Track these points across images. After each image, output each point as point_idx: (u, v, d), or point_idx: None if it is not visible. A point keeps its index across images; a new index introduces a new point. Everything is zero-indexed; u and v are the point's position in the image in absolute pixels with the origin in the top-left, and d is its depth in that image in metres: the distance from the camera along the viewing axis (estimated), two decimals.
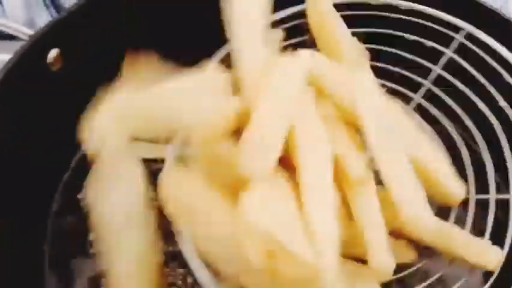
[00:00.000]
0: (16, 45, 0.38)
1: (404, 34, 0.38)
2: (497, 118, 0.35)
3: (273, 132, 0.29)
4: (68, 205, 0.41)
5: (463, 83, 0.36)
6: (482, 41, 0.36)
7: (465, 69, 0.36)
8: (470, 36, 0.37)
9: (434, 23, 0.38)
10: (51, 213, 0.41)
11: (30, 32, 0.37)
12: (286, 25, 0.37)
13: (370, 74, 0.35)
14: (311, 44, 0.38)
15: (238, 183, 0.28)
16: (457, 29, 0.38)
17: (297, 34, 0.38)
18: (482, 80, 0.35)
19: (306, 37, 0.38)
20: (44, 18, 0.56)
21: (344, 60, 0.35)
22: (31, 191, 0.38)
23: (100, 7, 0.39)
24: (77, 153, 0.42)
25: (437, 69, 0.38)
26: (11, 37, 0.44)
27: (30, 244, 0.39)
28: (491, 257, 0.30)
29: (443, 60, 0.38)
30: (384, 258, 0.29)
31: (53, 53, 0.37)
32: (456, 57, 0.37)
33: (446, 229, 0.31)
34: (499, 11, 0.40)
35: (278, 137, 0.29)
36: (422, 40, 0.38)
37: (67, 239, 0.40)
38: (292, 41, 0.38)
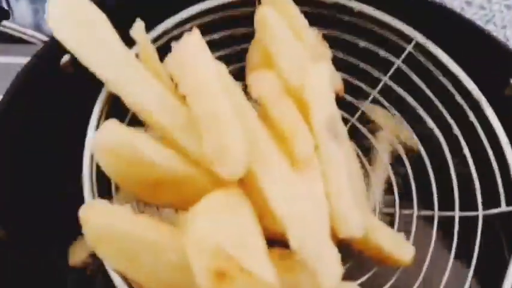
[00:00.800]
0: (29, 49, 0.41)
1: (356, 39, 0.40)
2: (442, 130, 0.38)
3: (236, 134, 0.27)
4: None
5: (410, 92, 0.39)
6: (431, 52, 0.38)
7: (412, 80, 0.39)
8: (419, 47, 0.39)
9: (388, 30, 0.40)
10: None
11: (45, 37, 0.40)
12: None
13: (329, 65, 0.36)
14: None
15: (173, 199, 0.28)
16: (407, 38, 0.39)
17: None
18: (428, 92, 0.38)
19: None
20: None
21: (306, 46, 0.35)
22: (46, 186, 0.40)
23: (111, 15, 0.43)
24: None
25: (384, 78, 0.40)
26: (23, 41, 0.46)
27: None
28: (407, 250, 0.33)
29: (391, 69, 0.40)
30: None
31: (66, 57, 0.40)
32: (404, 67, 0.40)
33: (369, 221, 0.33)
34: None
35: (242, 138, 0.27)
36: (372, 48, 0.40)
37: None
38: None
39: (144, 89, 0.30)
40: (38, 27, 0.58)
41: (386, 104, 0.40)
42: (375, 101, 0.41)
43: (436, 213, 0.36)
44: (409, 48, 0.39)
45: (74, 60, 0.41)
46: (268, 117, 0.32)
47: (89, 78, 0.39)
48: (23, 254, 0.36)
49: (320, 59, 0.36)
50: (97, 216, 0.27)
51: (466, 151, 0.37)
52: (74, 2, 0.31)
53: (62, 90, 0.40)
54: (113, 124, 0.28)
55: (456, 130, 0.38)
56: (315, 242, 0.27)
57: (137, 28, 0.32)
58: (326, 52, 0.38)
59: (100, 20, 0.31)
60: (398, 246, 0.33)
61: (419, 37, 0.39)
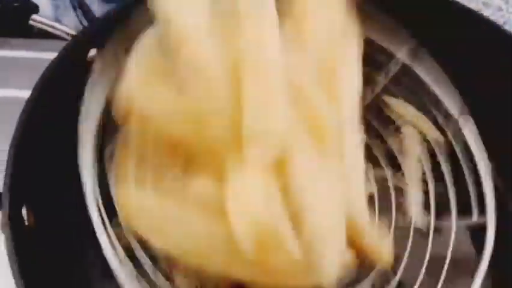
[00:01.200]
0: (55, 44, 0.42)
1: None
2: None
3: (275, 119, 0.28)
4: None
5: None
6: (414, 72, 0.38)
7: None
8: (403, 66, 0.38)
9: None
10: None
11: (73, 31, 0.41)
12: None
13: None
14: None
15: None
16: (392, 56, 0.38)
17: None
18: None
19: None
20: (70, 17, 0.61)
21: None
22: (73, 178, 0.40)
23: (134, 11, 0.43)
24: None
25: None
26: (49, 36, 0.47)
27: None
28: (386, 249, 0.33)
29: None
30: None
31: (93, 52, 0.40)
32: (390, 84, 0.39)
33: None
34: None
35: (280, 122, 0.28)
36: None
37: None
38: None
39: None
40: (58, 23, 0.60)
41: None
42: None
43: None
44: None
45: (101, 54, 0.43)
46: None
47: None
48: (49, 243, 0.37)
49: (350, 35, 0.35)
50: (129, 196, 0.29)
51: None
52: None
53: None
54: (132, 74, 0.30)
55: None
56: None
57: None
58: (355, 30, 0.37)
59: None
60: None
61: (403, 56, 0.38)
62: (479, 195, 0.36)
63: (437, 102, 0.37)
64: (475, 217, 0.36)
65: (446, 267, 0.35)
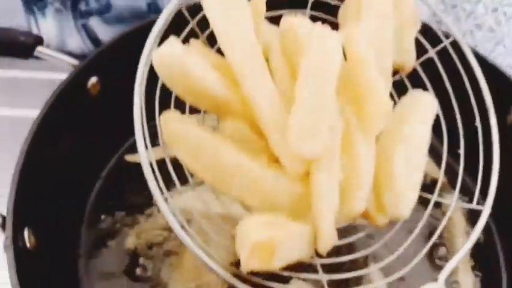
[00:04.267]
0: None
1: None
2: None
3: (323, 114, 0.31)
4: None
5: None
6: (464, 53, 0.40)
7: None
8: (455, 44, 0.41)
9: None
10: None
11: (75, 61, 0.43)
12: None
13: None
14: None
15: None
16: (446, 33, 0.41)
17: None
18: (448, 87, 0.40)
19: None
20: (74, 39, 0.63)
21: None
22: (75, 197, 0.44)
23: (132, 42, 0.46)
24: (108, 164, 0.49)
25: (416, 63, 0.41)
26: None
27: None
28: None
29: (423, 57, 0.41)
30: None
31: (93, 80, 0.44)
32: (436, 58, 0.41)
33: None
34: None
35: (328, 118, 0.31)
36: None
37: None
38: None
39: (260, 87, 0.33)
40: (62, 43, 0.63)
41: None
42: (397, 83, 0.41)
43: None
44: (446, 42, 0.41)
45: (101, 80, 0.45)
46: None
47: (114, 97, 0.44)
48: (50, 265, 0.39)
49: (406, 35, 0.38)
50: (174, 121, 0.32)
51: (462, 151, 0.39)
52: None
53: (91, 109, 0.44)
54: (174, 42, 0.32)
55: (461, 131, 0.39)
56: None
57: None
58: (414, 30, 0.40)
59: (245, 9, 0.33)
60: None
61: (457, 35, 0.41)
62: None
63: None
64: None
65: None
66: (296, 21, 0.35)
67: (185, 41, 0.36)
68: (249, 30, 0.33)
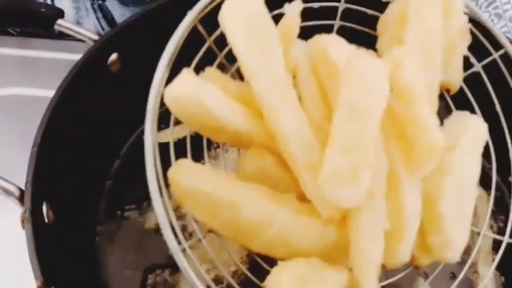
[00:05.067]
0: (78, 46, 0.44)
1: None
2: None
3: (364, 156, 0.27)
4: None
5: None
6: None
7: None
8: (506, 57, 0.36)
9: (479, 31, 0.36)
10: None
11: (95, 36, 0.43)
12: None
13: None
14: None
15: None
16: (497, 44, 0.36)
17: None
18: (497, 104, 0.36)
19: None
20: (90, 19, 0.62)
21: None
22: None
23: (153, 18, 0.45)
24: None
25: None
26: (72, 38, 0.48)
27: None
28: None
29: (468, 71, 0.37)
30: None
31: (113, 56, 0.43)
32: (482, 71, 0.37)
33: None
34: None
35: (369, 160, 0.27)
36: None
37: None
38: None
39: (289, 119, 0.30)
40: (78, 24, 0.61)
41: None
42: None
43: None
44: (495, 55, 0.37)
45: (122, 57, 0.44)
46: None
47: (135, 76, 0.43)
48: (67, 242, 0.38)
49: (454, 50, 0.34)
50: (183, 177, 0.29)
51: None
52: (249, 6, 0.30)
53: (110, 87, 0.43)
54: (187, 75, 0.29)
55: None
56: None
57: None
58: (463, 44, 0.36)
59: (272, 33, 0.30)
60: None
61: (509, 47, 0.36)
62: None
63: None
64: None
65: None
66: (329, 44, 0.31)
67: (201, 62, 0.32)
68: (277, 54, 0.30)
